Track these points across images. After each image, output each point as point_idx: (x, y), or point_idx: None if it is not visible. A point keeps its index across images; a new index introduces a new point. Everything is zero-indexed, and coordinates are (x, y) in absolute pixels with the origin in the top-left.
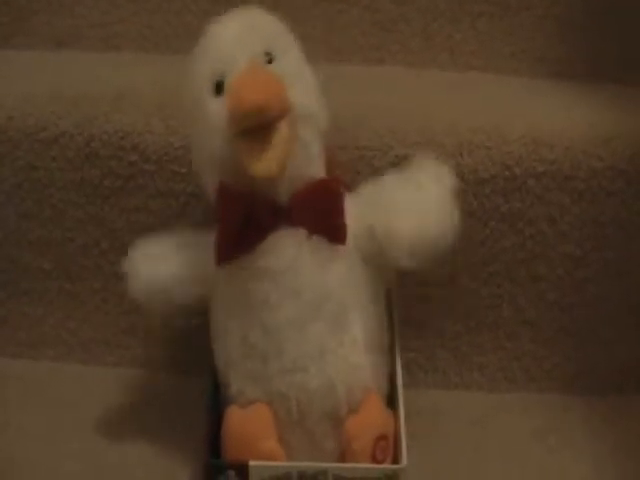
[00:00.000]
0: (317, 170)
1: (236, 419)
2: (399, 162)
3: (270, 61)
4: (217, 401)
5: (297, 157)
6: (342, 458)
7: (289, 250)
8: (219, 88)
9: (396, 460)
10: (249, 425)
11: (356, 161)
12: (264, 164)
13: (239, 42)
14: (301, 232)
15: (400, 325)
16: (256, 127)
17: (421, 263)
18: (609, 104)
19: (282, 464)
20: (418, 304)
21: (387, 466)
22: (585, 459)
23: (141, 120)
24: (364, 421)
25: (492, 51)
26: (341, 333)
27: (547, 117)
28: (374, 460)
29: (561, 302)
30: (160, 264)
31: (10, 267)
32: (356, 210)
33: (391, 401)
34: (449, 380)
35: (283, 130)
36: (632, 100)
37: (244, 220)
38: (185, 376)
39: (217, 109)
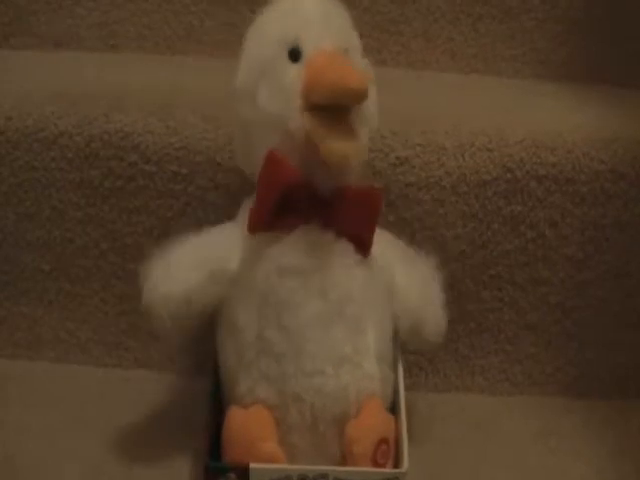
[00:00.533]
0: (357, 177)
1: (237, 420)
2: (400, 164)
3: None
4: (218, 402)
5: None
6: (344, 462)
7: (317, 250)
8: (295, 55)
9: (397, 464)
10: (250, 426)
11: None
12: (346, 143)
13: (325, 18)
14: (330, 233)
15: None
16: (335, 107)
17: (413, 337)
18: (610, 107)
19: (283, 466)
20: None
21: (388, 470)
22: (586, 462)
23: (141, 120)
24: (365, 424)
25: (493, 53)
26: (357, 340)
27: (548, 120)
28: (375, 464)
29: (562, 305)
30: (177, 275)
31: (9, 268)
32: (385, 242)
33: (392, 405)
34: (450, 383)
35: (358, 117)
36: (633, 103)
37: (283, 195)
38: (185, 377)
39: (291, 74)
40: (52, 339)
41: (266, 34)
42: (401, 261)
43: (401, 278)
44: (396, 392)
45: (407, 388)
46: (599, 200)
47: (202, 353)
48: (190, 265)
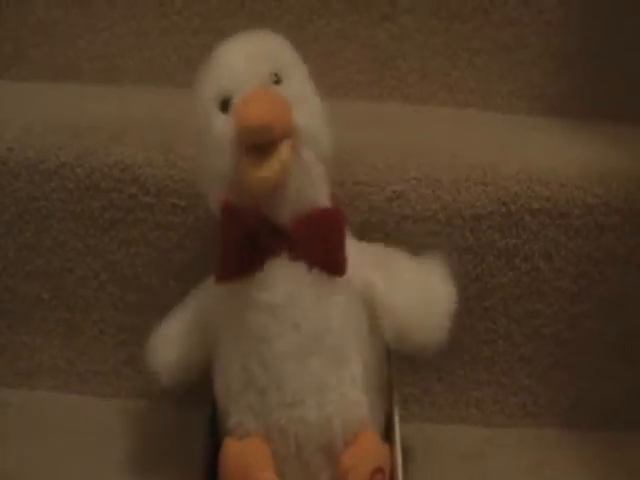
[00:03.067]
0: (320, 196)
1: (233, 451)
2: (397, 197)
3: (277, 82)
4: (215, 432)
5: (299, 179)
6: None
7: (288, 283)
8: (225, 106)
9: None
10: (246, 456)
11: (354, 197)
12: (259, 177)
13: (247, 62)
14: (301, 264)
15: (396, 359)
16: (259, 145)
17: (404, 348)
18: (604, 141)
19: None
20: None
21: None
22: None
23: (141, 153)
24: (360, 453)
25: (489, 88)
26: (341, 369)
27: (543, 154)
28: None
29: (556, 337)
30: (171, 347)
31: (9, 297)
32: (360, 257)
33: (387, 435)
34: (445, 414)
35: (283, 149)
36: (627, 137)
37: (245, 239)
38: (183, 407)
39: (223, 125)
40: (51, 368)
41: (199, 97)
42: (379, 268)
43: (380, 286)
44: (391, 423)
45: (402, 419)
46: (593, 234)
47: (200, 384)
48: (179, 335)
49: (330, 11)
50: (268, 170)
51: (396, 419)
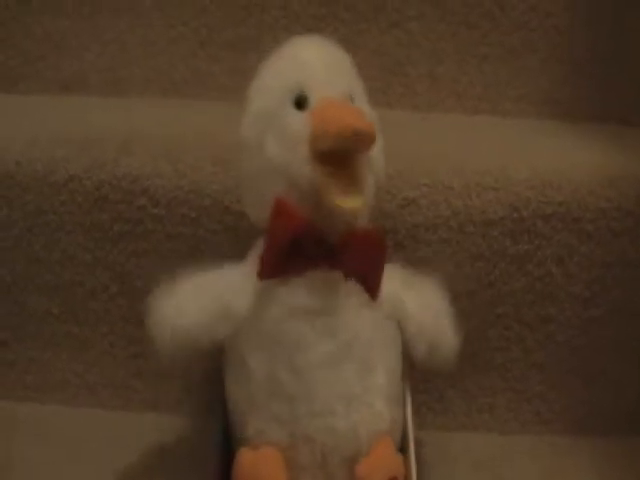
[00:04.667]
0: (364, 220)
1: (247, 462)
2: (408, 204)
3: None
4: (226, 443)
5: None
6: None
7: (326, 292)
8: (300, 103)
9: None
10: (260, 467)
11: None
12: (351, 198)
13: (329, 69)
14: (338, 274)
15: (409, 367)
16: (339, 153)
17: (430, 363)
18: (615, 145)
19: None
20: None
21: None
22: None
23: (150, 164)
24: (375, 463)
25: (498, 94)
26: (367, 379)
27: (554, 159)
28: None
29: (570, 343)
30: (183, 312)
31: (18, 310)
32: (388, 275)
33: (401, 444)
34: (458, 422)
35: (365, 166)
36: (636, 140)
37: (291, 244)
38: (194, 420)
39: (297, 122)
40: (60, 382)
41: (270, 84)
42: (406, 287)
43: (411, 303)
44: (405, 431)
45: (415, 427)
46: (605, 238)
47: (210, 396)
48: (199, 303)
49: (338, 19)
50: (356, 193)
51: (410, 427)
